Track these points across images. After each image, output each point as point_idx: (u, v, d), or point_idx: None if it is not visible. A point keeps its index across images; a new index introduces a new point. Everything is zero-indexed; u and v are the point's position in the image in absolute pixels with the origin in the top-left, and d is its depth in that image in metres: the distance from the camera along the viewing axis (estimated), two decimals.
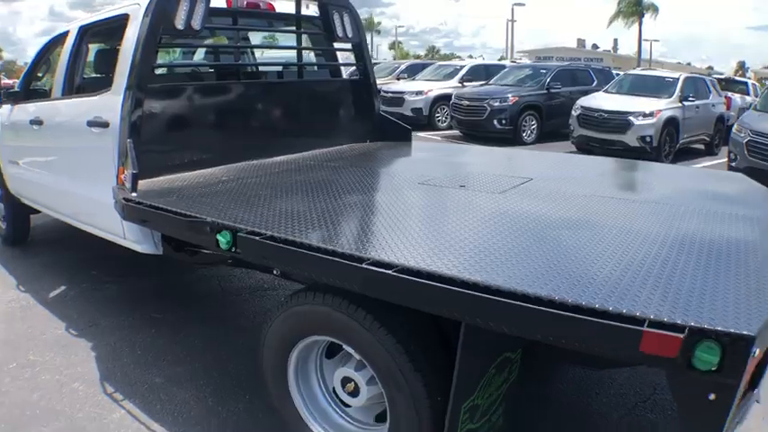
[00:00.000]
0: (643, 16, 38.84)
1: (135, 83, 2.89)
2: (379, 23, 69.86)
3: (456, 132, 12.41)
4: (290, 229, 2.00)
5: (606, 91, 10.45)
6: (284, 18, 4.02)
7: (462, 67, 15.29)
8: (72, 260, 4.43)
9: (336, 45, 4.26)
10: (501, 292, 1.43)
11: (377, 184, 3.14)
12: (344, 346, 1.93)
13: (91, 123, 3.08)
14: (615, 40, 54.08)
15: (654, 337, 1.25)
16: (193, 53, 4.80)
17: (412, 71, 16.94)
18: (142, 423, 2.43)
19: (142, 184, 2.78)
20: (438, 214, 2.48)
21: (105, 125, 2.99)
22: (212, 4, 3.19)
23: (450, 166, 3.67)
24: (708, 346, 1.22)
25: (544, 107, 11.30)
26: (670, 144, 9.07)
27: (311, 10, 4.02)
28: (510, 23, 46.47)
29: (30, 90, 4.35)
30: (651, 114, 8.82)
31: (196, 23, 3.07)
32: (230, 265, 3.13)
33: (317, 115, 4.01)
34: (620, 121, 8.90)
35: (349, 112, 4.24)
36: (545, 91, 11.46)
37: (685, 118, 9.24)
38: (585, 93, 10.87)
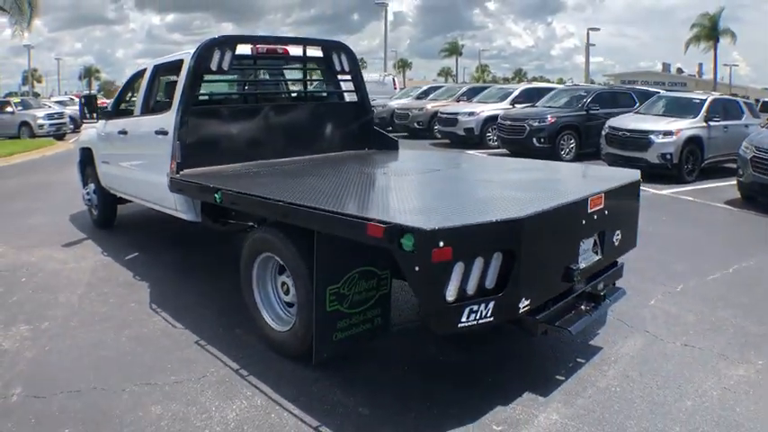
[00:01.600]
0: (718, 41, 37.80)
1: (182, 106, 4.25)
2: (463, 46, 71.53)
3: (504, 150, 13.19)
4: (253, 189, 3.30)
5: (637, 112, 10.86)
6: (295, 59, 5.20)
7: (515, 89, 16.06)
8: (142, 238, 5.95)
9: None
10: (319, 209, 2.66)
11: (340, 171, 4.29)
12: (275, 258, 3.15)
13: (158, 132, 4.47)
14: (700, 65, 51.65)
15: (371, 227, 2.37)
16: (231, 84, 6.09)
17: (471, 94, 17.87)
18: (174, 326, 3.73)
19: (185, 171, 4.12)
20: (342, 182, 3.69)
21: (165, 133, 4.37)
22: (240, 51, 4.56)
23: (400, 162, 4.97)
24: (408, 236, 2.25)
25: (582, 127, 11.85)
26: (693, 162, 9.36)
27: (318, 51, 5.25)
28: (587, 47, 46.20)
29: (119, 110, 5.95)
30: (671, 133, 9.18)
31: (225, 66, 4.42)
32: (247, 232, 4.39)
33: (320, 128, 5.21)
34: (642, 140, 9.33)
35: (350, 127, 5.40)
36: (584, 112, 12.01)
37: (711, 137, 9.47)
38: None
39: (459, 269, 2.40)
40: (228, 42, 4.47)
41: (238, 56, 4.59)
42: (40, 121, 20.66)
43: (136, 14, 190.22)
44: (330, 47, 5.20)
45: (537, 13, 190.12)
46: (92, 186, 6.20)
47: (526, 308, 2.64)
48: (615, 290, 3.53)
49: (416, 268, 2.30)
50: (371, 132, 5.54)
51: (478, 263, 2.46)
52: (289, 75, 5.80)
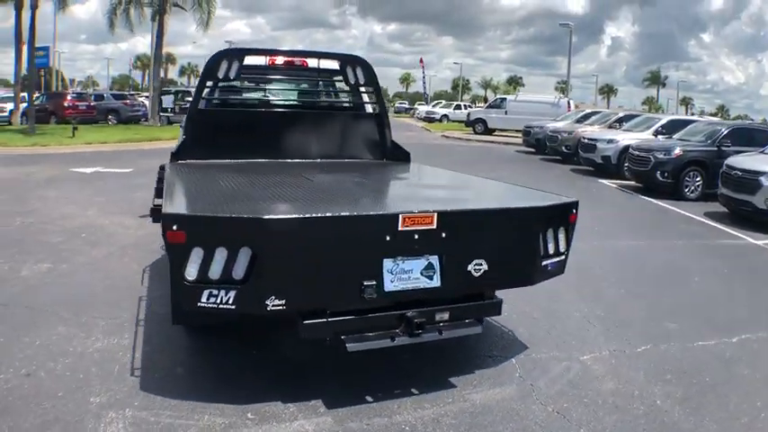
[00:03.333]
0: None
1: (192, 108, 5.21)
2: (666, 77, 65.55)
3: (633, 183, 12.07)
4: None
5: (763, 152, 9.01)
6: (311, 70, 5.59)
7: (660, 119, 14.39)
8: None
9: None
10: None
11: (291, 173, 4.58)
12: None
13: (182, 127, 5.53)
14: None
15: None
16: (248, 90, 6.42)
17: (625, 121, 16.52)
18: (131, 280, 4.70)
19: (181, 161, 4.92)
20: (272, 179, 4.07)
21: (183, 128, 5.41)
22: (259, 62, 5.23)
23: (390, 174, 5.19)
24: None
25: (710, 164, 10.14)
26: None
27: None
28: None
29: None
30: None
31: (231, 75, 5.10)
32: None
33: (327, 135, 5.55)
34: (751, 182, 7.79)
35: (365, 137, 5.68)
36: (715, 148, 10.31)
37: None
38: None
39: (197, 254, 2.70)
40: (236, 54, 5.17)
41: (251, 66, 5.24)
42: None
43: (358, 21, 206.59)
44: (346, 60, 5.50)
45: (747, 48, 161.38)
46: None
47: (279, 307, 2.76)
48: (467, 324, 3.24)
49: (163, 246, 2.77)
50: (388, 144, 5.71)
51: (221, 252, 2.72)
52: (313, 86, 6.11)
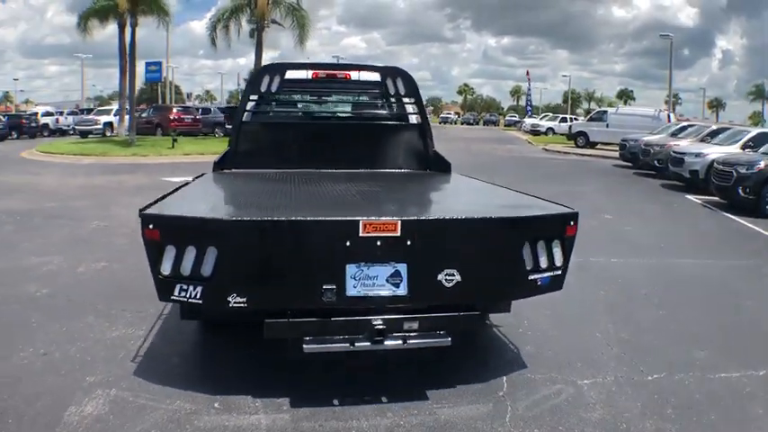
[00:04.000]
0: None
1: (236, 120, 5.60)
2: None
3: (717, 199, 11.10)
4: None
5: None
6: (353, 82, 5.74)
7: (749, 132, 13.05)
8: None
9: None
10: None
11: (323, 183, 4.66)
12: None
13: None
14: None
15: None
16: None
17: (716, 134, 15.22)
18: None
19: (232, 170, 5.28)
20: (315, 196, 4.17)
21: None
22: (303, 76, 5.47)
23: (420, 184, 5.23)
24: None
25: None
26: None
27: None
28: None
29: None
30: None
31: (273, 88, 5.45)
32: None
33: (367, 146, 5.62)
34: None
35: (406, 147, 5.72)
36: None
37: None
38: None
39: (170, 251, 2.94)
40: (277, 69, 5.51)
41: (293, 80, 5.50)
42: None
43: (472, 35, 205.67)
44: (386, 72, 5.64)
45: None
46: None
47: (240, 305, 2.91)
48: (436, 335, 3.13)
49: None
50: (430, 154, 5.69)
51: (191, 250, 2.93)
52: (354, 98, 6.25)
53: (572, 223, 3.34)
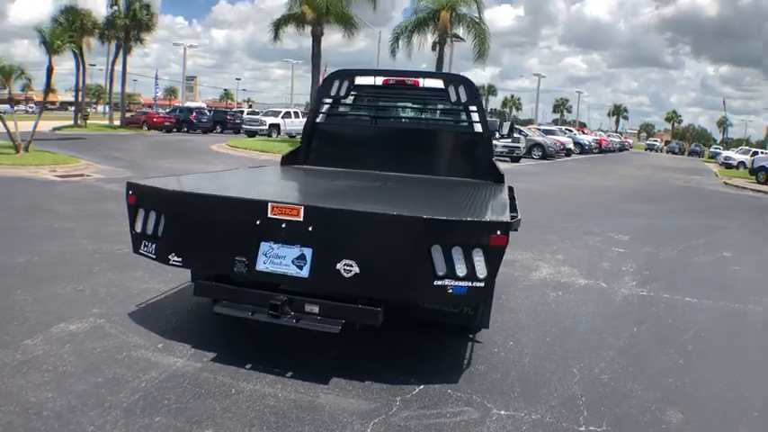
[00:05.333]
0: None
1: (308, 121, 6.26)
2: None
3: None
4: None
5: None
6: (418, 89, 5.96)
7: None
8: None
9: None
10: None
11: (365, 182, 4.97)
12: None
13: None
14: None
15: None
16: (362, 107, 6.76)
17: None
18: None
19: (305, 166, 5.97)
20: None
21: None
22: (369, 82, 5.93)
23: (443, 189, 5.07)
24: None
25: None
26: None
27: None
28: None
29: None
30: None
31: (342, 93, 6.01)
32: None
33: (428, 152, 5.87)
34: None
35: (465, 156, 5.78)
36: None
37: None
38: None
39: (141, 214, 3.64)
40: (346, 75, 5.99)
41: (361, 85, 5.97)
42: (495, 141, 26.95)
43: (691, 61, 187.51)
44: (448, 79, 5.80)
45: None
46: None
47: (177, 263, 3.50)
48: (328, 321, 3.24)
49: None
50: (485, 164, 5.63)
51: (153, 215, 3.59)
52: (417, 105, 6.45)
53: (498, 233, 3.09)
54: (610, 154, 45.30)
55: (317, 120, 6.10)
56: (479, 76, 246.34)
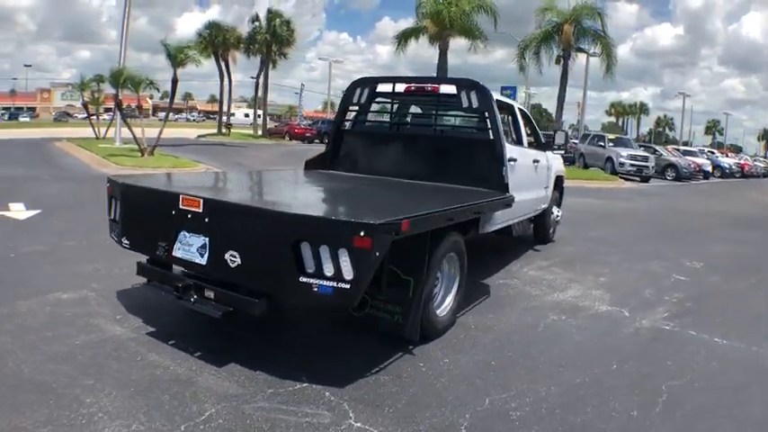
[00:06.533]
0: None
1: (335, 126, 6.58)
2: None
3: None
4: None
5: None
6: (434, 95, 5.95)
7: None
8: None
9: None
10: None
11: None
12: None
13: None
14: None
15: None
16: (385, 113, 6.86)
17: None
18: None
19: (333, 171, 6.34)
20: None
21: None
22: (388, 89, 6.09)
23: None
24: None
25: None
26: None
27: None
28: None
29: None
30: None
31: (362, 100, 6.25)
32: None
33: (439, 159, 5.76)
34: None
35: (475, 163, 5.59)
36: None
37: None
38: None
39: (112, 202, 4.23)
40: (366, 83, 6.23)
41: (381, 93, 6.14)
42: (622, 160, 24.19)
43: None
44: (461, 85, 5.67)
45: None
46: None
47: (127, 246, 4.02)
48: (213, 307, 3.48)
49: None
50: (492, 172, 5.42)
51: (114, 203, 4.17)
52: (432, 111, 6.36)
53: (362, 234, 3.05)
54: (752, 179, 38.88)
55: (343, 127, 6.37)
56: (640, 94, 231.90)
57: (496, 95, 6.15)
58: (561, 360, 4.13)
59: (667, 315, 5.41)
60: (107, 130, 24.95)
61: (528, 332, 4.69)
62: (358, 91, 6.18)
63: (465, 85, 5.61)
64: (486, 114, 5.51)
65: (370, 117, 6.79)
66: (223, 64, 32.92)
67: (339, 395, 3.31)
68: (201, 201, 3.55)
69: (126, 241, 4.06)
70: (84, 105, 27.06)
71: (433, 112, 6.24)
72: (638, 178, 24.43)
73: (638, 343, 4.65)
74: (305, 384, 3.40)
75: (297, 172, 6.31)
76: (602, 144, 26.74)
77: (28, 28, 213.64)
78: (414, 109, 6.95)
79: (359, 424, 3.03)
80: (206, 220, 3.51)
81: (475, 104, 5.49)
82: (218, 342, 3.94)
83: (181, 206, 3.62)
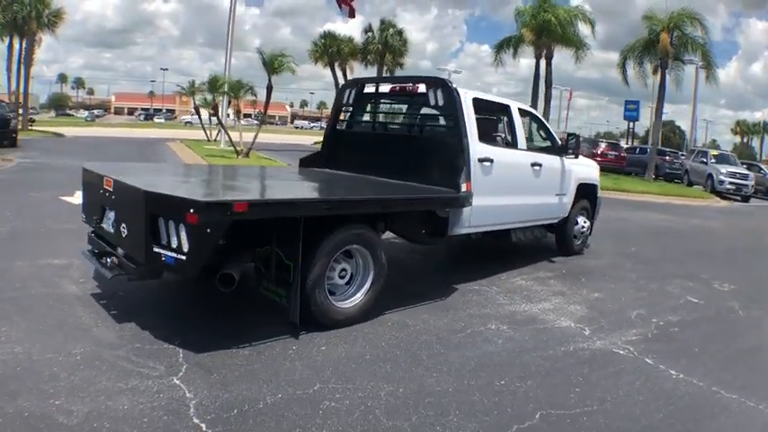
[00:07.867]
0: None
1: (328, 127, 6.95)
2: None
3: None
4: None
5: None
6: (411, 95, 6.02)
7: None
8: None
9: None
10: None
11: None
12: None
13: None
14: None
15: None
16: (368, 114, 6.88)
17: None
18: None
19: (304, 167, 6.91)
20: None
21: None
22: (372, 90, 6.37)
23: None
24: None
25: None
26: None
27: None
28: None
29: None
30: None
31: (350, 101, 6.53)
32: None
33: (408, 158, 5.80)
34: None
35: (441, 162, 5.47)
36: None
37: None
38: None
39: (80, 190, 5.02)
40: (352, 84, 6.59)
41: (367, 94, 6.37)
42: (721, 177, 22.50)
43: None
44: (429, 82, 5.69)
45: None
46: None
47: (84, 220, 4.74)
48: (120, 272, 4.01)
49: None
50: (452, 171, 5.29)
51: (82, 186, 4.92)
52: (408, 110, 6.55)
53: (191, 211, 3.40)
54: None
55: (335, 127, 6.68)
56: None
57: (482, 95, 6.05)
58: (445, 366, 3.87)
59: (636, 339, 4.76)
60: (217, 134, 26.99)
61: (444, 336, 4.44)
62: (347, 92, 6.47)
63: (433, 83, 5.60)
64: (450, 112, 5.44)
65: (356, 118, 6.96)
66: (340, 73, 34.36)
67: (187, 358, 3.60)
68: (112, 181, 4.12)
69: (83, 215, 4.86)
70: (196, 109, 28.25)
71: (411, 111, 6.32)
72: (738, 197, 22.51)
73: (562, 363, 4.14)
74: (169, 346, 3.75)
75: (279, 169, 6.78)
76: (704, 160, 24.89)
77: (171, 33, 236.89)
78: (397, 108, 7.00)
79: (177, 382, 3.30)
80: (113, 197, 4.11)
81: (441, 102, 5.44)
82: (141, 306, 4.49)
83: (104, 186, 4.24)
